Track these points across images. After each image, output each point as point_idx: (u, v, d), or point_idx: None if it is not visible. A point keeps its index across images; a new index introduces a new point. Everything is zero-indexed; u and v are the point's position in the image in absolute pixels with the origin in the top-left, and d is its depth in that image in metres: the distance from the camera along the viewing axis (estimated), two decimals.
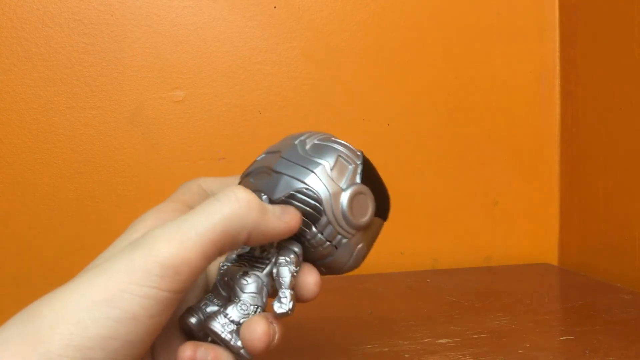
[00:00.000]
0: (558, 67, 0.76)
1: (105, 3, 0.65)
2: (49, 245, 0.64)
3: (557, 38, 0.75)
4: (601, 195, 0.67)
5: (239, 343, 0.27)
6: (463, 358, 0.39)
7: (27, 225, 0.64)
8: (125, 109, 0.66)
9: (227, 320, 0.27)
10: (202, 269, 0.25)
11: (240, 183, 0.32)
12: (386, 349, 0.41)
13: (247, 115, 0.68)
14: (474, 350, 0.40)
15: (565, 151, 0.75)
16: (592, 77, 0.69)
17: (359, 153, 0.32)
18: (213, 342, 0.28)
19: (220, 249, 0.25)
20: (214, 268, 0.32)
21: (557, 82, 0.76)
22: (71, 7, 0.64)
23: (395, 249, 0.73)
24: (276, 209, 0.28)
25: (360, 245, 0.31)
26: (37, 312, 0.23)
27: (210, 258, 0.25)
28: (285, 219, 0.28)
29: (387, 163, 0.72)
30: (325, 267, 0.31)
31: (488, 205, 0.75)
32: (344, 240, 0.30)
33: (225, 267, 0.30)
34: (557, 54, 0.75)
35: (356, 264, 0.32)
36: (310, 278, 0.29)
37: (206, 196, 0.32)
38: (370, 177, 0.31)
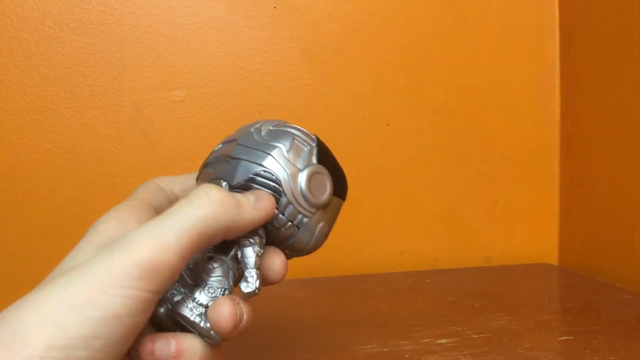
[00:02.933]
0: (558, 67, 0.76)
1: (105, 3, 0.65)
2: (49, 246, 0.64)
3: (557, 38, 0.75)
4: (601, 195, 0.67)
5: (209, 325, 0.27)
6: (463, 358, 0.39)
7: (27, 225, 0.64)
8: (125, 109, 0.66)
9: (195, 304, 0.28)
10: (180, 268, 0.25)
11: (199, 175, 0.33)
12: (386, 349, 0.41)
13: (247, 115, 0.68)
14: (474, 350, 0.40)
15: (565, 151, 0.75)
16: (592, 77, 0.69)
17: (313, 136, 0.33)
18: (183, 329, 0.28)
19: (197, 249, 0.26)
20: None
21: (557, 82, 0.76)
22: (71, 7, 0.64)
23: (395, 249, 0.73)
24: (250, 197, 0.29)
25: (321, 224, 0.32)
26: (12, 317, 0.23)
27: (187, 258, 0.25)
28: (261, 206, 0.28)
29: (387, 163, 0.72)
30: (288, 249, 0.32)
31: (488, 205, 0.75)
32: (305, 220, 0.31)
33: None
34: (557, 54, 0.75)
35: (318, 244, 0.32)
36: (277, 259, 0.30)
37: (165, 195, 0.33)
38: (326, 158, 0.32)
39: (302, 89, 0.70)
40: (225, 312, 0.26)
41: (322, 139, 0.33)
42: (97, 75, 0.65)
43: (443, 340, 0.43)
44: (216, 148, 0.34)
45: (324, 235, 0.33)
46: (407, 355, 0.40)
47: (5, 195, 0.64)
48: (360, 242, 0.72)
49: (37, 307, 0.23)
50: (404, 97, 0.72)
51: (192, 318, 0.27)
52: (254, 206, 0.28)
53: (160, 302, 0.29)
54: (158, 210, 0.30)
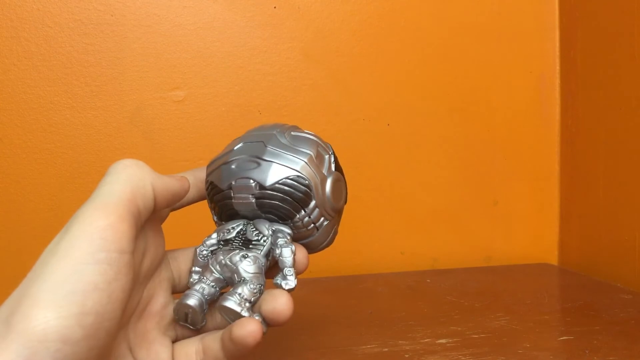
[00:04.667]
0: (558, 67, 0.76)
1: (105, 3, 0.65)
2: None
3: (557, 38, 0.75)
4: (601, 195, 0.67)
5: (257, 318, 0.30)
6: (463, 358, 0.39)
7: (27, 225, 0.64)
8: (125, 109, 0.66)
9: (241, 299, 0.30)
10: (135, 226, 0.27)
11: (213, 171, 0.34)
12: (386, 349, 0.41)
13: (247, 115, 0.68)
14: (474, 350, 0.40)
15: (565, 151, 0.75)
16: (592, 77, 0.69)
17: (328, 144, 0.35)
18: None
19: (138, 205, 0.28)
20: (182, 259, 0.34)
21: (557, 82, 0.76)
22: (71, 7, 0.64)
23: (395, 249, 0.73)
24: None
25: (335, 226, 0.35)
26: (3, 314, 0.23)
27: (135, 215, 0.27)
28: (176, 177, 0.31)
29: (387, 163, 0.72)
30: (303, 246, 0.34)
31: (488, 205, 0.75)
32: (325, 222, 0.34)
33: (205, 251, 0.33)
34: (557, 54, 0.75)
35: (330, 243, 0.35)
36: (301, 253, 0.33)
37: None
38: (338, 165, 0.35)
39: (302, 89, 0.70)
40: (285, 301, 0.30)
41: (322, 138, 0.35)
42: (97, 75, 0.65)
43: (443, 340, 0.43)
44: (236, 147, 0.34)
45: (335, 235, 0.35)
46: (407, 355, 0.40)
47: (6, 195, 0.64)
48: (360, 242, 0.72)
49: (24, 296, 0.23)
50: (404, 97, 0.72)
51: (242, 312, 0.29)
52: (170, 176, 0.31)
53: (190, 295, 0.31)
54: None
